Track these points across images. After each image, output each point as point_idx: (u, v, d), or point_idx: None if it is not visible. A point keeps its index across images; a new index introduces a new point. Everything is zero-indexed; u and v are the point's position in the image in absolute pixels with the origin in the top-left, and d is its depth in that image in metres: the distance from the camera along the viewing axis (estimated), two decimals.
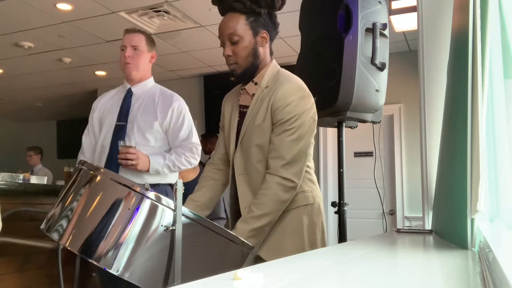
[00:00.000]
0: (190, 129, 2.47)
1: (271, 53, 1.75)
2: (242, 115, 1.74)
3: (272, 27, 1.71)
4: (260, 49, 1.68)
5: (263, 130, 1.64)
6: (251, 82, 1.72)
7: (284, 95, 1.61)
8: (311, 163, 1.75)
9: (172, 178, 2.47)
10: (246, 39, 1.64)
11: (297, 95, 1.63)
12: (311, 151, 1.73)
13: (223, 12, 1.69)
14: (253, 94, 1.71)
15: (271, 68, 1.71)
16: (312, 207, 1.70)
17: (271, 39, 1.73)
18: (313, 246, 1.66)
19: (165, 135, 2.43)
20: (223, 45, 1.67)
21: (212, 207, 1.86)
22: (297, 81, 1.69)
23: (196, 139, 2.49)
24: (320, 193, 1.78)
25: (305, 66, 2.48)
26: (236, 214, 1.72)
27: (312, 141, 1.73)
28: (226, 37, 1.66)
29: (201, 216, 1.34)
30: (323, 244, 1.72)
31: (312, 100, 1.69)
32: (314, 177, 1.77)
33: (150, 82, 2.54)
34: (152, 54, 2.52)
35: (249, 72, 1.69)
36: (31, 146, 6.56)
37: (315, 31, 2.43)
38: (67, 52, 5.71)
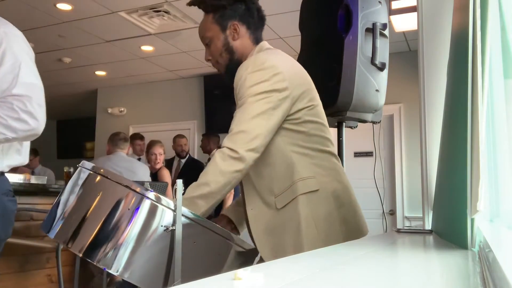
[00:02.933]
0: (15, 74, 1.60)
1: (257, 41, 1.64)
2: None
3: (247, 15, 1.62)
4: (235, 43, 1.61)
5: None
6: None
7: (239, 72, 1.51)
8: (324, 147, 1.58)
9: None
10: (215, 37, 1.60)
11: (251, 69, 1.48)
12: (326, 134, 1.59)
13: None
14: None
15: (251, 55, 1.60)
16: (315, 195, 1.50)
17: (250, 28, 1.63)
18: (319, 240, 1.47)
19: None
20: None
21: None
22: (260, 56, 1.54)
23: (25, 89, 1.59)
24: (339, 181, 1.59)
25: (305, 66, 2.47)
26: (245, 214, 1.66)
27: (324, 122, 1.59)
28: (202, 41, 1.64)
29: (201, 216, 1.34)
30: (339, 237, 1.51)
31: (276, 71, 1.49)
32: (322, 161, 1.57)
33: None
34: None
35: (231, 68, 1.60)
36: None
37: (315, 31, 2.43)
38: (67, 52, 5.72)
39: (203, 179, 1.42)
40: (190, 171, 5.25)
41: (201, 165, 5.54)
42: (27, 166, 6.37)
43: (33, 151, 6.41)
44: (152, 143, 4.79)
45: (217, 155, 1.44)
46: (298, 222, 1.48)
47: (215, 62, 1.64)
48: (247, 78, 1.48)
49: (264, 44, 1.66)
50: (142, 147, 5.38)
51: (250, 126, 1.44)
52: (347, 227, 1.56)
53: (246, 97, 1.46)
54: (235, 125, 1.45)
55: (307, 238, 1.47)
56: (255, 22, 1.65)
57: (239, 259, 1.41)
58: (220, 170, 1.41)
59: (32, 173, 5.99)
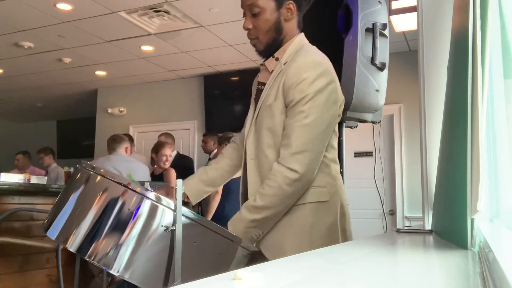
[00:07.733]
0: None
1: (300, 25, 1.59)
2: (258, 93, 1.61)
3: None
4: (285, 23, 1.53)
5: (273, 111, 1.49)
6: (271, 57, 1.58)
7: (297, 71, 1.45)
8: (332, 155, 1.57)
9: None
10: (268, 11, 1.50)
11: (312, 72, 1.45)
12: (334, 142, 1.58)
13: None
14: (272, 71, 1.56)
15: (296, 43, 1.56)
16: (325, 205, 1.52)
17: (301, 10, 1.57)
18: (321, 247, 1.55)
19: None
20: (244, 15, 1.55)
21: (218, 185, 1.78)
22: (315, 56, 1.52)
23: None
24: (342, 190, 1.60)
25: None
26: (245, 200, 1.65)
27: (336, 130, 1.58)
28: (247, 8, 1.53)
29: (201, 216, 1.34)
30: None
31: (331, 78, 1.50)
32: (335, 172, 1.59)
33: None
34: None
35: (271, 48, 1.55)
36: (41, 148, 6.43)
37: (315, 31, 2.43)
38: (67, 52, 5.71)
39: (265, 202, 1.43)
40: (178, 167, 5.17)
41: (190, 161, 5.59)
42: (40, 165, 6.32)
43: (48, 150, 6.33)
44: (161, 145, 4.75)
45: (282, 179, 1.42)
46: (303, 227, 1.51)
47: (255, 36, 1.54)
48: (308, 82, 1.44)
49: (303, 37, 1.61)
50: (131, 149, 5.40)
51: (313, 146, 1.45)
52: (343, 235, 1.58)
53: (309, 106, 1.43)
54: (296, 140, 1.42)
55: (311, 243, 1.50)
56: (306, 4, 1.58)
57: (240, 259, 1.41)
58: (286, 195, 1.43)
59: (46, 173, 5.98)
